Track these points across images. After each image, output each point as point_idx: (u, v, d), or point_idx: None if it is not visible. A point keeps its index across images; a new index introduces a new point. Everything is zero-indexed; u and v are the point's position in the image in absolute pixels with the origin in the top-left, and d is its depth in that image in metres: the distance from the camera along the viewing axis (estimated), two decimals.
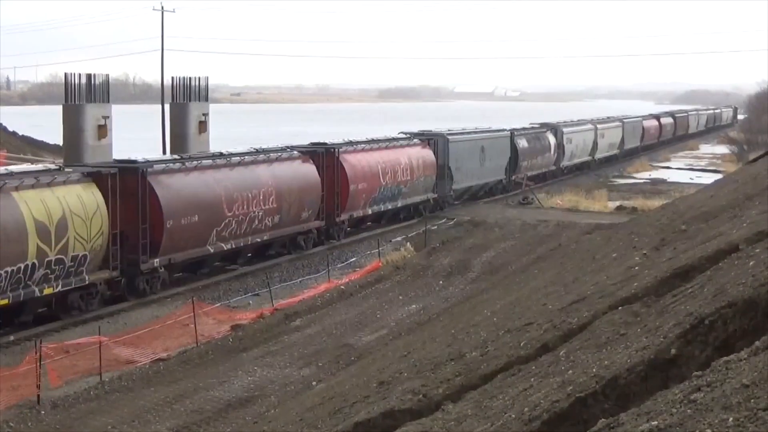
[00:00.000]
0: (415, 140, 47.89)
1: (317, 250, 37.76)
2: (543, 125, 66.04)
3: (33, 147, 75.56)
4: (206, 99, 50.29)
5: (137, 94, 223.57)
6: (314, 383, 19.31)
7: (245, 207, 33.18)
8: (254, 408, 18.63)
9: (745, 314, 7.17)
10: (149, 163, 30.54)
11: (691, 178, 68.94)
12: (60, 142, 54.97)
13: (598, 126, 76.05)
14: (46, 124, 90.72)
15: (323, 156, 38.91)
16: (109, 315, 27.38)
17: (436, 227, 43.00)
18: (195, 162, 32.52)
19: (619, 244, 18.30)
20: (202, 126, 48.84)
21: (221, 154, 34.55)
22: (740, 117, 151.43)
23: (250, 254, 35.32)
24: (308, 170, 37.65)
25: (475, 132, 55.43)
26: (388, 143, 45.28)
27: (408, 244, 38.08)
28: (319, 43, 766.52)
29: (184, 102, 48.61)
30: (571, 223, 42.08)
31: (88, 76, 43.37)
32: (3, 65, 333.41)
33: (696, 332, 7.38)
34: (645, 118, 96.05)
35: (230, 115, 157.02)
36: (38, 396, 19.48)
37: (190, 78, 49.02)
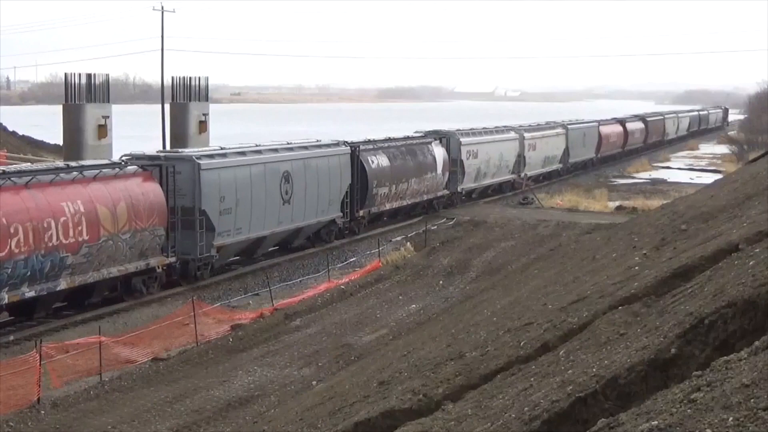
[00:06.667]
0: (132, 167, 28.81)
1: None
2: (428, 134, 49.27)
3: (33, 147, 75.55)
4: (206, 99, 50.44)
5: (137, 94, 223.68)
6: (314, 383, 19.33)
7: None
8: (254, 408, 18.65)
9: (745, 314, 7.17)
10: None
11: (691, 178, 69.05)
12: (60, 141, 55.08)
13: (526, 135, 58.59)
14: (46, 124, 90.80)
15: None
16: (109, 315, 27.39)
17: (435, 227, 43.00)
18: None
19: (619, 244, 18.30)
20: (202, 126, 48.98)
21: None
22: (731, 119, 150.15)
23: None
24: None
25: (273, 150, 35.24)
26: (41, 177, 25.44)
27: (408, 243, 38.08)
28: (319, 43, 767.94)
29: (184, 102, 48.72)
30: (571, 223, 42.10)
31: (88, 76, 43.50)
32: (3, 65, 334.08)
33: (696, 332, 7.39)
34: (604, 122, 77.37)
35: (230, 115, 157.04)
36: (38, 396, 19.48)
37: (190, 78, 49.15)
